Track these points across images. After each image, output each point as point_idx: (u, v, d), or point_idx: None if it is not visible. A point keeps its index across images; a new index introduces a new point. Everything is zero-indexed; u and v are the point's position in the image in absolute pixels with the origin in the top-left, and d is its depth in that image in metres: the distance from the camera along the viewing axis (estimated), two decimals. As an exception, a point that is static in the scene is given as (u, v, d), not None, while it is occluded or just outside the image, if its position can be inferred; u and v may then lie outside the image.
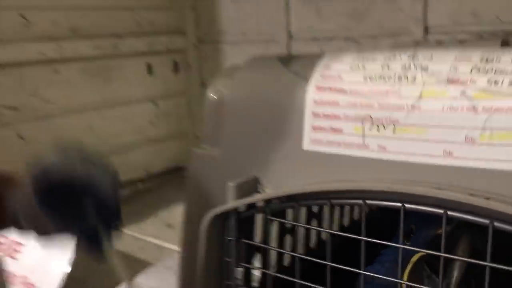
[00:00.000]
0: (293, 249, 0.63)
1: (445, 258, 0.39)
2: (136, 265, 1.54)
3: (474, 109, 0.39)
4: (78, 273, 1.46)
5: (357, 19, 2.20)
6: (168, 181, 2.68)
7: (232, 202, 0.46)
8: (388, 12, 2.08)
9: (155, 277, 1.39)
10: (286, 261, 0.67)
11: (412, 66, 0.43)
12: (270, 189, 0.46)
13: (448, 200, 0.36)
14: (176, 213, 2.30)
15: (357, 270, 0.49)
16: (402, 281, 0.46)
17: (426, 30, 1.97)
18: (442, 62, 0.43)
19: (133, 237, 1.96)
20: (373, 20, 2.14)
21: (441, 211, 0.37)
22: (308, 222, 0.65)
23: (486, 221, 0.36)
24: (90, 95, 2.35)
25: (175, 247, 1.64)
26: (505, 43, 0.61)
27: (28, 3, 2.12)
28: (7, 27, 2.03)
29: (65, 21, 2.25)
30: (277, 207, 0.46)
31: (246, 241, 0.54)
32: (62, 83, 2.25)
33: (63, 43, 2.21)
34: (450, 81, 0.41)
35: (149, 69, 2.61)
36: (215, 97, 0.55)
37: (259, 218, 0.52)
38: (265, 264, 0.60)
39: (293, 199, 0.44)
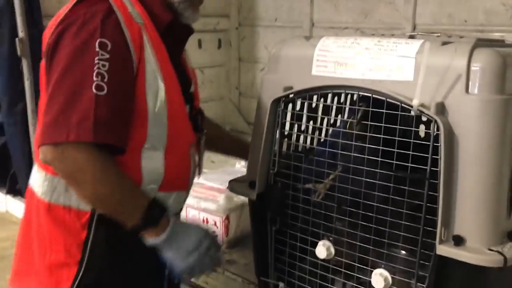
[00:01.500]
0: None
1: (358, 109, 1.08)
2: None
3: (372, 58, 1.07)
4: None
5: (364, 15, 2.86)
6: (208, 133, 3.39)
7: (283, 94, 1.15)
8: (387, 11, 2.73)
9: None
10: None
11: (355, 43, 1.11)
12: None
13: (365, 88, 1.04)
14: (216, 154, 3.01)
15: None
16: (352, 120, 1.13)
17: (414, 27, 2.62)
18: (365, 41, 1.11)
19: (187, 165, 2.67)
20: (376, 16, 2.80)
21: (356, 92, 1.06)
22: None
23: (369, 95, 1.04)
24: (156, 60, 3.03)
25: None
26: (411, 37, 1.21)
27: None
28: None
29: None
30: (301, 96, 1.15)
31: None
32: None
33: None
34: (366, 48, 1.09)
35: (200, 44, 3.29)
36: (274, 51, 1.25)
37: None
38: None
39: (307, 91, 1.13)
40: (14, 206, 2.88)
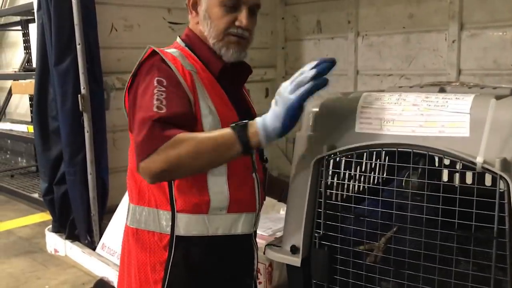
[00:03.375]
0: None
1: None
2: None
3: (422, 115, 1.09)
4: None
5: (408, 62, 2.89)
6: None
7: (327, 153, 1.17)
8: (431, 57, 2.75)
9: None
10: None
11: (401, 99, 1.15)
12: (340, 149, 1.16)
13: (420, 145, 1.05)
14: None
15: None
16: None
17: (459, 72, 2.62)
18: (411, 97, 1.13)
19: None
20: (420, 63, 2.82)
21: (410, 150, 1.07)
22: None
23: (425, 152, 1.05)
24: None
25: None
26: (442, 90, 1.22)
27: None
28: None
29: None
30: (345, 154, 1.16)
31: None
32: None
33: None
34: (413, 104, 1.12)
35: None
36: (313, 109, 1.24)
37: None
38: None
39: (355, 150, 1.15)
40: (73, 251, 3.01)
